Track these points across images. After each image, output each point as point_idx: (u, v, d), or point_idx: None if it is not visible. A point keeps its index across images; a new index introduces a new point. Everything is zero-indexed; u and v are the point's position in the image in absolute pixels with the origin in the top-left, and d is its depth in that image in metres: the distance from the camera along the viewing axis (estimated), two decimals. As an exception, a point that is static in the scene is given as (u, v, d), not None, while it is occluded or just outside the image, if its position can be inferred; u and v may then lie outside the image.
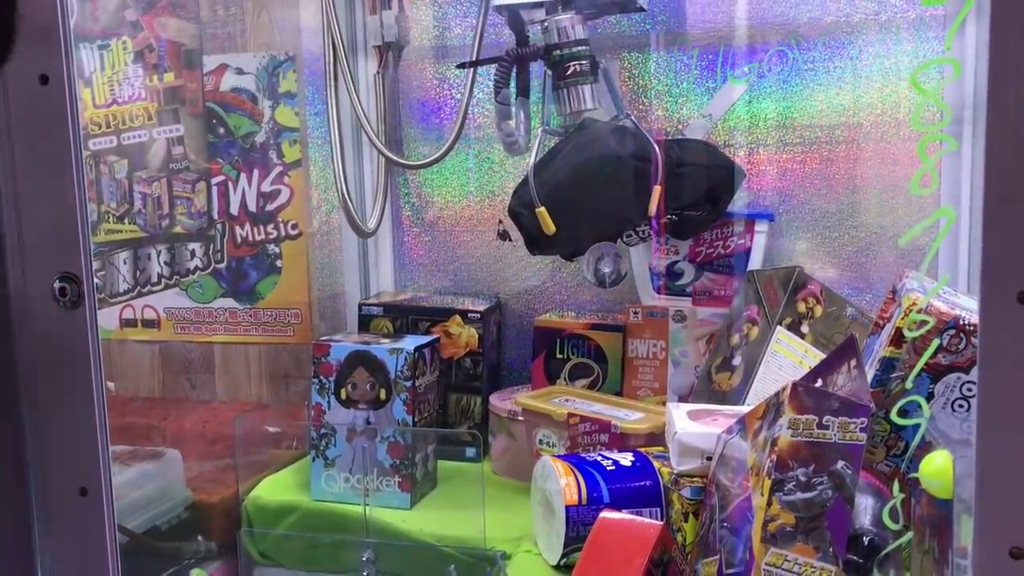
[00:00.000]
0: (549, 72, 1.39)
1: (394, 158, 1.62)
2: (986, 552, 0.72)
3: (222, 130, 1.68)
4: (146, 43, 1.70)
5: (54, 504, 0.93)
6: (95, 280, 0.90)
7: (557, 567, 1.13)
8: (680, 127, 1.54)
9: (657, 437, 1.26)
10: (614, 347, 1.52)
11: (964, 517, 0.82)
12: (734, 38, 1.51)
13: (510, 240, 1.65)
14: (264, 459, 1.47)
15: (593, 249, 1.41)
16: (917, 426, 0.88)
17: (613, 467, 1.16)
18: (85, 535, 0.93)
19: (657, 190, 1.35)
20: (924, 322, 0.91)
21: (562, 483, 1.12)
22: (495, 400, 1.50)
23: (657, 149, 1.36)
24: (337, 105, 1.57)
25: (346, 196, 1.55)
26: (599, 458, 1.18)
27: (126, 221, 1.74)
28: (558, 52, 1.35)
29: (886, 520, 0.83)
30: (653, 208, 1.35)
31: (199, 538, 1.38)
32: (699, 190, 1.41)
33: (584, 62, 1.35)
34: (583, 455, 1.20)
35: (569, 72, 1.34)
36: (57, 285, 0.91)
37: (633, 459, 1.18)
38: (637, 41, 1.56)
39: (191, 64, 1.69)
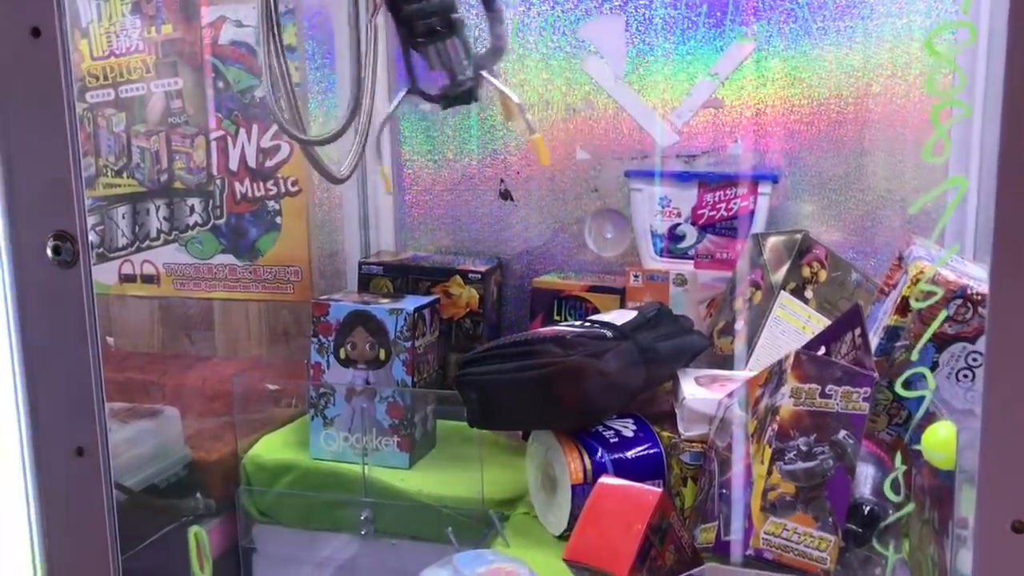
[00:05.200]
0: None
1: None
2: (988, 525, 0.71)
3: (221, 84, 1.66)
4: (143, -7, 1.67)
5: (50, 464, 0.93)
6: (92, 236, 0.89)
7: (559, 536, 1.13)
8: (688, 87, 1.51)
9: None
10: (611, 310, 1.51)
11: (966, 488, 0.81)
12: (743, -5, 1.48)
13: (512, 200, 1.63)
14: (263, 417, 1.46)
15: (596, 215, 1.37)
16: (921, 397, 0.87)
17: (616, 439, 1.15)
18: (82, 495, 0.93)
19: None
20: (932, 293, 0.90)
21: (567, 461, 1.11)
22: (495, 361, 1.49)
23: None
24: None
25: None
26: (601, 429, 1.17)
27: (124, 175, 1.72)
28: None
29: (888, 492, 0.82)
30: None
31: (198, 496, 1.38)
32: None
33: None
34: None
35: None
36: (51, 243, 0.90)
37: (635, 428, 1.17)
38: (643, -3, 1.53)
39: (189, 16, 1.66)
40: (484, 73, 1.22)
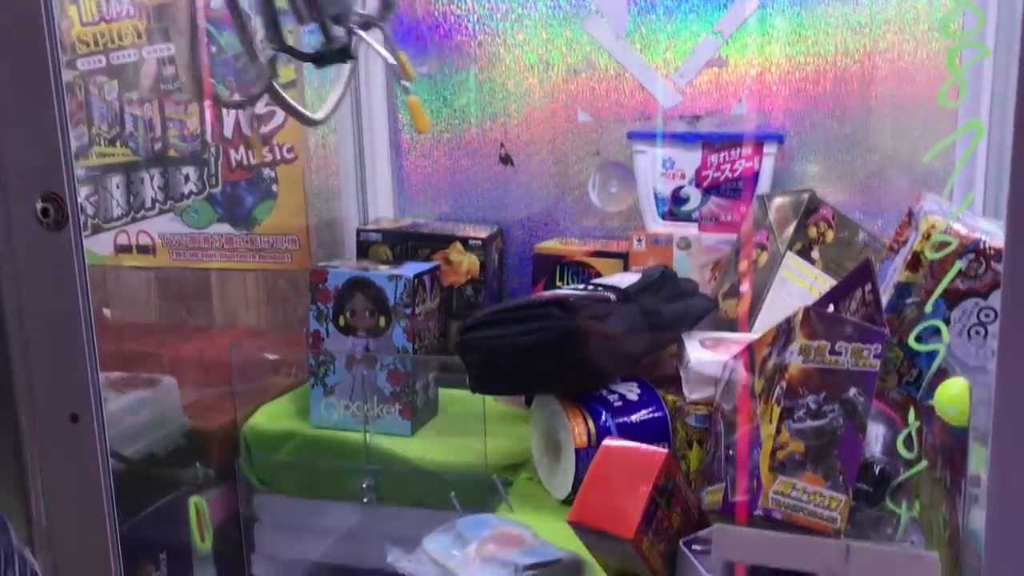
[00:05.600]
0: None
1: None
2: (1003, 481, 0.70)
3: (214, 49, 1.62)
4: (133, -43, 1.63)
5: (45, 431, 0.91)
6: (81, 200, 0.87)
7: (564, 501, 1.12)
8: (691, 46, 1.48)
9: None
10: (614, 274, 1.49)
11: (977, 446, 0.79)
12: (747, -50, 1.44)
13: (512, 164, 1.60)
14: (262, 386, 1.45)
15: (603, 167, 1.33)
16: (932, 354, 0.85)
17: (620, 403, 1.13)
18: (77, 461, 0.92)
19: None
20: (946, 243, 0.88)
21: (570, 425, 1.10)
22: (497, 327, 1.47)
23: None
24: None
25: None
26: (605, 393, 1.15)
27: (118, 144, 1.69)
28: None
29: (901, 449, 0.80)
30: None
31: (197, 465, 1.36)
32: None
33: None
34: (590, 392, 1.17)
35: None
36: (40, 206, 0.88)
37: (639, 392, 1.16)
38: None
39: (181, -21, 1.62)
40: (355, 28, 1.18)
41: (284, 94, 1.35)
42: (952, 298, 0.92)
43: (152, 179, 1.69)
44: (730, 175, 1.44)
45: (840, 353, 0.84)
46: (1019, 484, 0.69)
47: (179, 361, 1.55)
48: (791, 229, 1.26)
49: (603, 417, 1.11)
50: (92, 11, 1.64)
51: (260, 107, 1.63)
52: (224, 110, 1.64)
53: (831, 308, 0.94)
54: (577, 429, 1.10)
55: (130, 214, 1.71)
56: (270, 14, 1.20)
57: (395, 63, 1.29)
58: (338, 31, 1.21)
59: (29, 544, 0.74)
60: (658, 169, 1.47)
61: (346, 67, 1.47)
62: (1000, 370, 0.69)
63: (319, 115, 1.46)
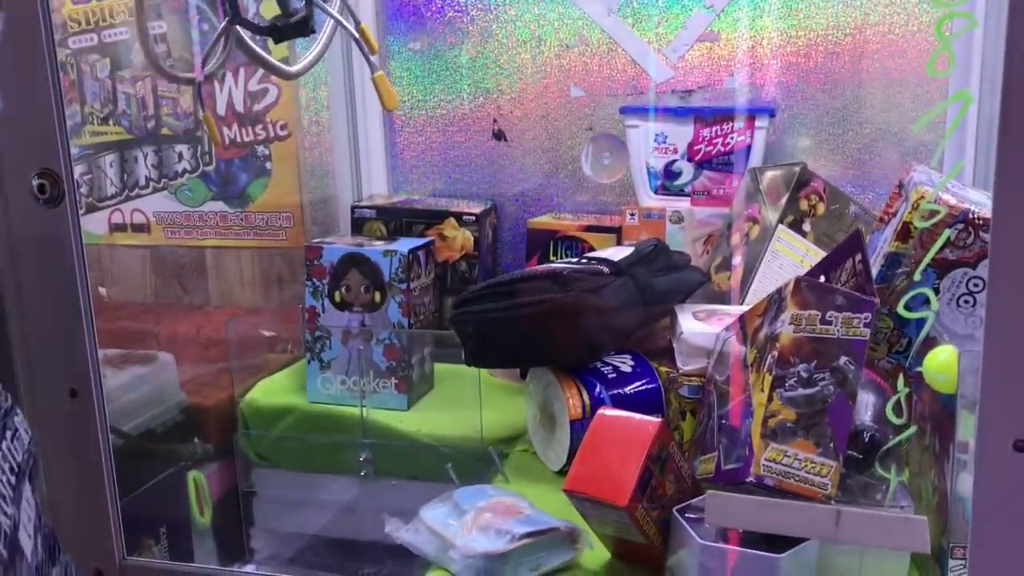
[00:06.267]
0: None
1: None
2: (990, 444, 0.71)
3: (206, 26, 1.62)
4: (123, -67, 1.62)
5: (45, 406, 0.92)
6: (76, 178, 0.88)
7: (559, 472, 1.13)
8: (683, 20, 1.48)
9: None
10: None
11: (965, 414, 0.81)
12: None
13: (505, 140, 1.61)
14: (259, 363, 1.46)
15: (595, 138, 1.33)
16: (921, 322, 0.86)
17: (614, 374, 1.15)
18: (77, 436, 0.92)
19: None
20: (935, 212, 0.89)
21: (565, 397, 1.11)
22: (491, 302, 1.48)
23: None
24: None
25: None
26: (599, 365, 1.16)
27: (111, 123, 1.69)
28: None
29: (890, 415, 0.82)
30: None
31: (196, 440, 1.38)
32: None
33: None
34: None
35: None
36: (35, 182, 0.88)
37: (633, 364, 1.17)
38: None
39: (171, -44, 1.62)
40: None
41: (253, 45, 1.33)
42: (941, 267, 0.93)
43: (146, 157, 1.69)
44: (722, 149, 1.45)
45: (831, 322, 0.85)
46: (1005, 450, 0.71)
47: (176, 338, 1.56)
48: (783, 202, 1.27)
49: (597, 389, 1.13)
50: (83, -11, 1.64)
51: (253, 84, 1.63)
52: (217, 87, 1.64)
53: (822, 279, 0.95)
54: (572, 401, 1.11)
55: (124, 192, 1.71)
56: None
57: (357, 35, 1.27)
58: (296, 2, 1.20)
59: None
60: (650, 143, 1.48)
61: (328, 21, 1.44)
62: (987, 338, 0.70)
63: (294, 68, 1.44)
